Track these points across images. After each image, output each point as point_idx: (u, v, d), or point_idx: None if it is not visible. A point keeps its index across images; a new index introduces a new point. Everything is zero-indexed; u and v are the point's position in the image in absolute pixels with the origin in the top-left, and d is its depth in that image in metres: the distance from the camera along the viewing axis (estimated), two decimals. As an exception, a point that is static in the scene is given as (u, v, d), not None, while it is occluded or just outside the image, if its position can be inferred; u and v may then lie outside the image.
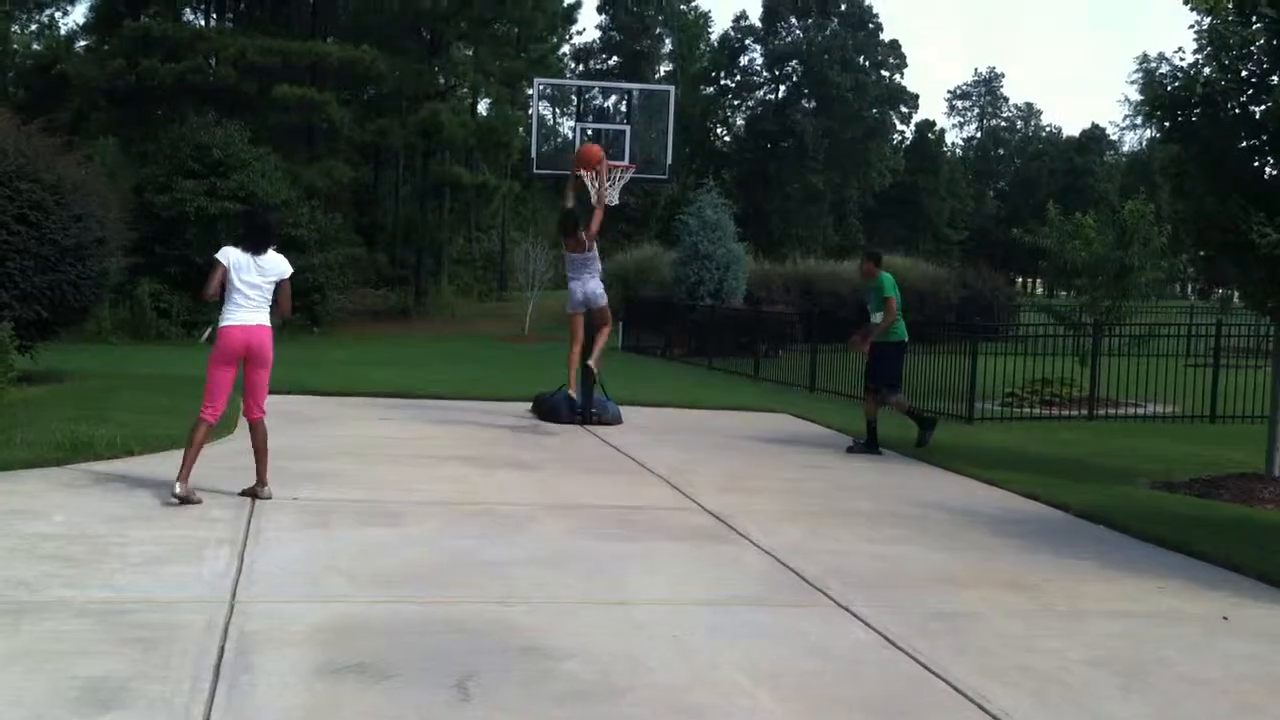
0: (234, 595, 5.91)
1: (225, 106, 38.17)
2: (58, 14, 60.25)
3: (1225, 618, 6.46)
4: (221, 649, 5.07)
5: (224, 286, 8.15)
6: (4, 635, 5.12)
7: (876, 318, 12.76)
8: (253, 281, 8.13)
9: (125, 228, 16.40)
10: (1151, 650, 5.80)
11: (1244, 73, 10.74)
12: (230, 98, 39.96)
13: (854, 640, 5.74)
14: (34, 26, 61.01)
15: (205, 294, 8.27)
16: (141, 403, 12.93)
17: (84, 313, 15.84)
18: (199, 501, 8.01)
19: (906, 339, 12.95)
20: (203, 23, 47.04)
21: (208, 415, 8.26)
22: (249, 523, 7.56)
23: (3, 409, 9.96)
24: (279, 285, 8.29)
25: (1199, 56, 10.95)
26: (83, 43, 49.21)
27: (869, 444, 12.55)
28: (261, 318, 8.14)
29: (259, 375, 8.31)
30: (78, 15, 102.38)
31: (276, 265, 8.25)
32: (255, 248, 8.17)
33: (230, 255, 8.16)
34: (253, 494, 8.28)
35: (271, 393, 14.81)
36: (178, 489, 7.92)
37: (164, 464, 9.57)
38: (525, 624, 5.66)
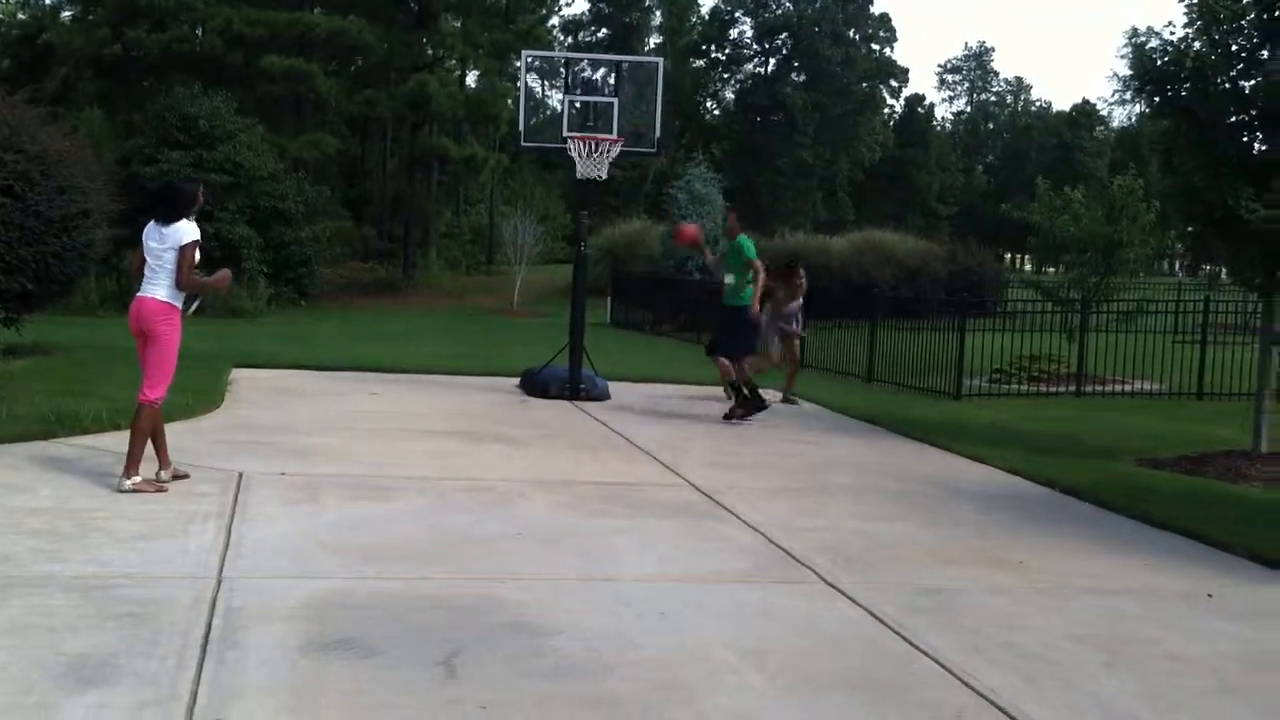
0: (221, 571, 5.90)
1: (212, 77, 37.91)
2: (43, -17, 59.69)
3: (1210, 595, 6.49)
4: (209, 625, 5.06)
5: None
6: (-10, 610, 5.11)
7: (729, 279, 12.59)
8: (151, 252, 7.65)
9: (111, 200, 16.27)
10: (1137, 628, 5.82)
11: (1234, 47, 10.73)
12: (217, 68, 39.72)
13: (841, 617, 5.76)
14: (19, -5, 60.60)
15: (131, 270, 8.06)
16: (128, 376, 12.80)
17: (70, 285, 15.74)
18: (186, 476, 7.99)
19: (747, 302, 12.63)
20: (189, -8, 46.68)
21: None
22: (236, 498, 7.55)
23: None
24: (180, 252, 7.58)
25: (1189, 31, 10.94)
26: (68, 12, 48.82)
27: (754, 401, 12.44)
28: (150, 289, 7.61)
29: (146, 352, 7.71)
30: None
31: (175, 234, 7.60)
32: (160, 218, 7.68)
33: (146, 229, 7.76)
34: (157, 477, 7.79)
35: (259, 366, 14.98)
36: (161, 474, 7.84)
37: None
38: (513, 600, 5.66)
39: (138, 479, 7.59)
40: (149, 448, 7.76)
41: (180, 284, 7.63)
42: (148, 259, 7.66)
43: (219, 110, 33.05)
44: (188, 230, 7.62)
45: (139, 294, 7.69)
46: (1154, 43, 11.14)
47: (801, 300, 14.95)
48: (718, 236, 30.94)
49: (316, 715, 4.20)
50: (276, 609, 5.33)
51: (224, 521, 6.90)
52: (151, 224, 7.73)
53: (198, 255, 7.68)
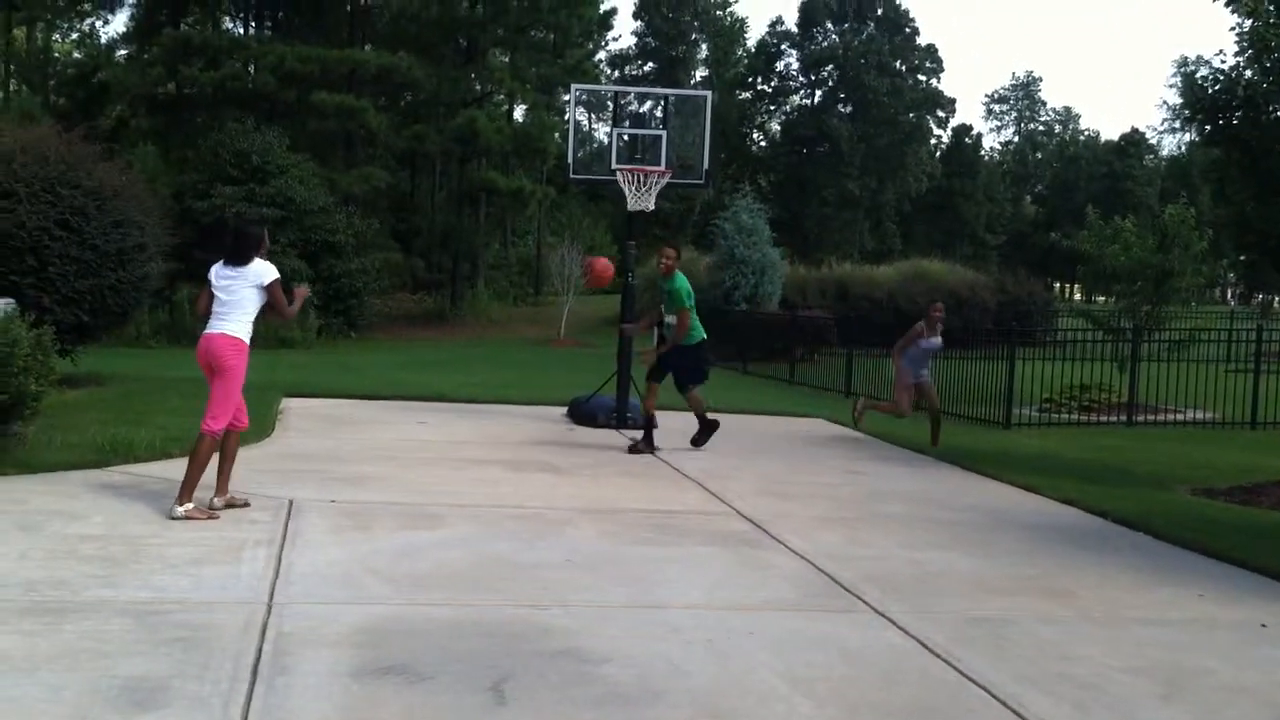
0: (272, 596, 5.95)
1: (264, 113, 38.42)
2: (98, 23, 60.75)
3: (1264, 625, 6.39)
4: (259, 650, 5.10)
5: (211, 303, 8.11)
6: (45, 634, 5.17)
7: (671, 319, 12.35)
8: (224, 289, 8.02)
9: (165, 233, 16.52)
10: (1191, 658, 5.74)
11: (1286, 75, 10.65)
12: (269, 104, 40.23)
13: (890, 646, 5.72)
14: (75, 35, 61.69)
15: (197, 310, 8.37)
16: (180, 406, 13.02)
17: (124, 317, 15.98)
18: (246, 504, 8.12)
19: (705, 336, 12.37)
20: (242, 31, 47.39)
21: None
22: (287, 525, 7.61)
23: (43, 412, 10.05)
24: (267, 290, 8.03)
25: (1240, 59, 10.87)
26: (123, 51, 49.72)
27: (647, 441, 12.08)
28: (222, 326, 7.99)
29: (215, 384, 8.05)
30: (118, 24, 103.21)
31: (254, 275, 8.01)
32: (229, 261, 8.05)
33: (213, 270, 8.13)
34: (210, 505, 7.95)
35: (309, 396, 15.11)
36: (214, 500, 7.98)
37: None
38: (561, 627, 5.67)
39: (190, 506, 7.69)
40: (208, 475, 7.88)
41: (286, 315, 8.29)
42: (218, 296, 7.99)
43: (271, 145, 33.47)
44: (268, 270, 8.03)
45: (208, 331, 8.04)
46: (1204, 71, 11.08)
47: (939, 341, 13.79)
48: (765, 266, 31.01)
49: (366, 740, 4.21)
50: (327, 634, 5.36)
51: (275, 548, 6.96)
52: (220, 265, 8.07)
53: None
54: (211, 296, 8.05)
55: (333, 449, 11.11)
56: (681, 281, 12.13)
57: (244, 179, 32.29)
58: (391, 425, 13.03)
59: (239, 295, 7.99)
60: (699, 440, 12.38)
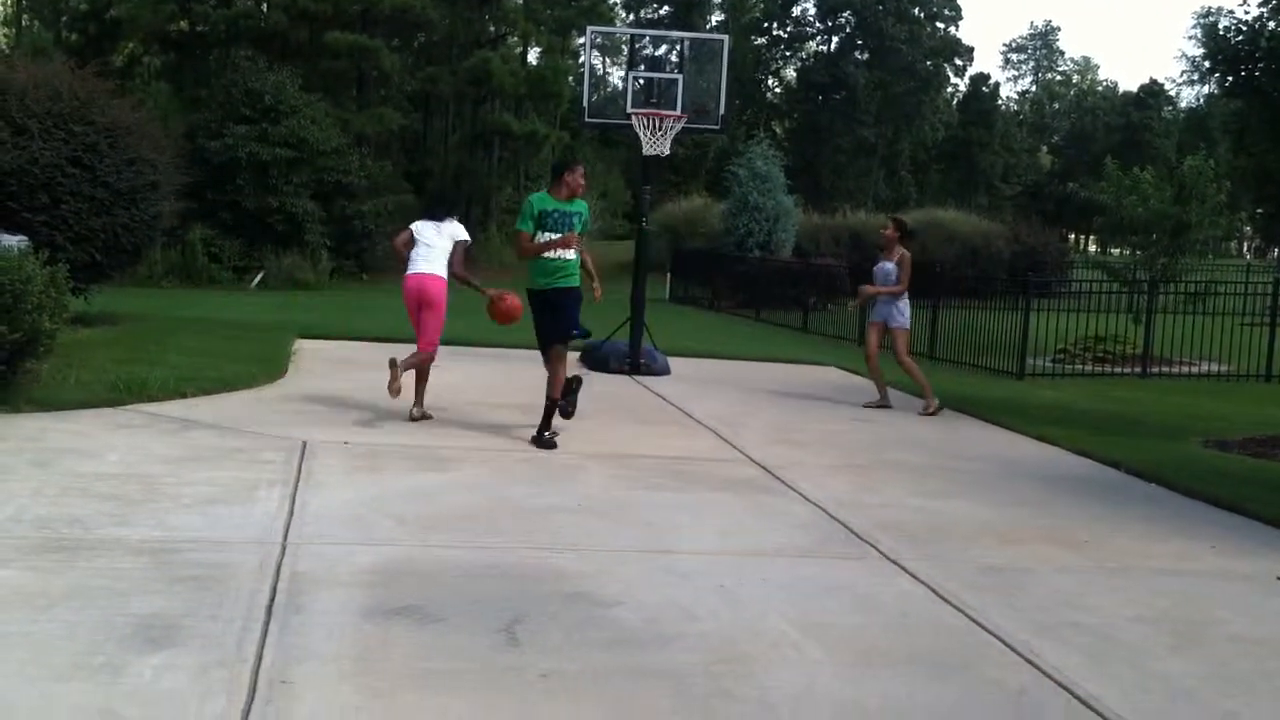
0: (285, 536, 5.96)
1: (276, 52, 38.18)
2: (111, -42, 60.28)
3: (1279, 578, 6.38)
4: (273, 589, 5.12)
5: (409, 247, 9.92)
6: (58, 572, 5.19)
7: (570, 254, 9.66)
8: (429, 240, 9.87)
9: (178, 172, 16.46)
10: (1203, 609, 5.74)
11: (1311, 26, 10.52)
12: (281, 44, 39.97)
13: (902, 593, 5.72)
14: (88, -30, 61.21)
15: (395, 249, 10.21)
16: (194, 346, 13.04)
17: (137, 256, 15.95)
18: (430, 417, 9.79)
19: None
20: (255, -32, 47.00)
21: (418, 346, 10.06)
22: (300, 466, 7.62)
23: (57, 350, 10.05)
24: (459, 245, 10.01)
25: (1263, 10, 10.74)
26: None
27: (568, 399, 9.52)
28: (432, 269, 9.84)
29: (426, 316, 9.90)
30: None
31: (455, 230, 10.03)
32: (435, 216, 10.10)
33: (419, 223, 10.08)
34: (410, 416, 9.74)
35: (322, 338, 15.09)
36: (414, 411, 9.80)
37: (217, 406, 9.67)
38: (573, 570, 5.68)
39: (420, 409, 9.82)
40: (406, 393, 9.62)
41: (459, 271, 10.03)
42: (423, 243, 9.87)
43: (283, 85, 33.28)
44: (462, 230, 10.14)
45: (422, 272, 9.85)
46: (1226, 22, 10.95)
47: (893, 266, 12.07)
48: (778, 214, 30.84)
49: (379, 679, 4.23)
50: (340, 575, 5.38)
51: (289, 489, 6.97)
52: (425, 220, 10.08)
53: None
54: (413, 242, 9.87)
55: (346, 391, 11.11)
56: (582, 204, 9.66)
57: (256, 118, 32.13)
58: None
59: (441, 245, 9.87)
60: (568, 408, 9.48)
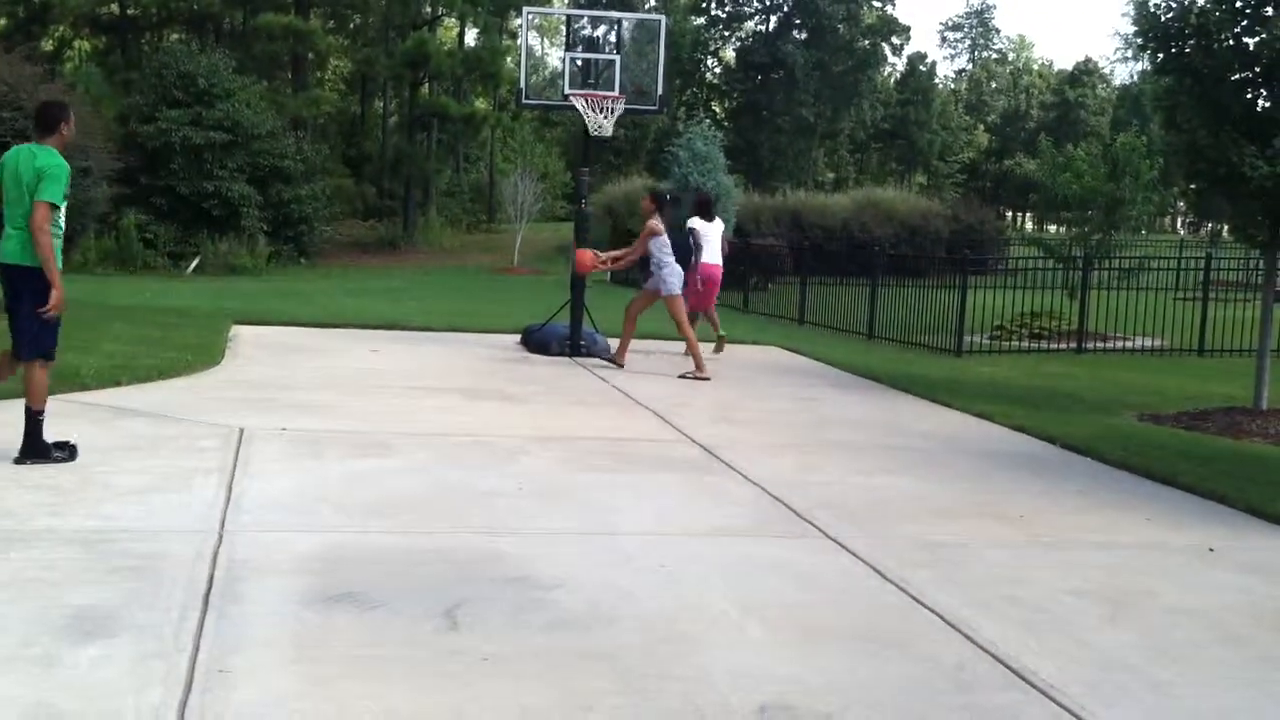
0: (223, 525, 5.90)
1: (210, 35, 37.72)
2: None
3: (1211, 549, 6.49)
4: (210, 578, 5.07)
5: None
6: (-9, 564, 5.11)
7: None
8: (704, 237, 14.29)
9: (110, 158, 16.24)
10: (1138, 581, 5.82)
11: (1238, 3, 10.64)
12: (215, 26, 39.48)
13: (842, 570, 5.76)
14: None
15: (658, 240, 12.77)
16: (128, 334, 12.88)
17: (69, 243, 15.72)
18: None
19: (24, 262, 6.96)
20: (186, -51, 46.35)
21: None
22: (237, 453, 7.54)
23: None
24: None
25: (1193, -14, 10.84)
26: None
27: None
28: (718, 259, 14.67)
29: (712, 289, 14.68)
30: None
31: (720, 225, 14.63)
32: (705, 215, 14.61)
33: (695, 220, 14.49)
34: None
35: (260, 324, 14.97)
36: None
37: (151, 394, 9.56)
38: (514, 554, 5.67)
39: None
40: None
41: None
42: (709, 239, 14.48)
43: (217, 68, 32.82)
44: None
45: (711, 263, 14.54)
46: (1158, 0, 11.05)
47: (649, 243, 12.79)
48: (719, 194, 30.90)
49: (319, 666, 4.20)
50: (279, 562, 5.33)
51: (225, 476, 6.90)
52: (699, 219, 14.67)
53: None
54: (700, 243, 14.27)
55: (284, 377, 11.02)
56: (49, 151, 7.14)
57: (190, 102, 31.66)
58: (343, 353, 12.93)
59: (716, 238, 14.45)
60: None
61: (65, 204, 7.13)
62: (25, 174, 6.99)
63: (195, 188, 30.85)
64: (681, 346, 13.32)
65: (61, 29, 43.60)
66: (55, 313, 6.95)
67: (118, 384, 9.79)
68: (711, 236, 14.70)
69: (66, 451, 7.05)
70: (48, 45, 41.72)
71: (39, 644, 4.24)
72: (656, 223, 12.78)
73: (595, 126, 13.79)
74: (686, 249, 13.79)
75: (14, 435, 7.03)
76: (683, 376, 12.29)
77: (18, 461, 6.88)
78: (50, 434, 7.10)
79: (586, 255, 13.54)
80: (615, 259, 13.70)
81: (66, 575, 5.01)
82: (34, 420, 6.99)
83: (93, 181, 15.13)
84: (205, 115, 31.39)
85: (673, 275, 12.83)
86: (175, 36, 37.01)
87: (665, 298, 12.80)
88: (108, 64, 41.05)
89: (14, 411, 7.18)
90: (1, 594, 4.74)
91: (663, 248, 12.81)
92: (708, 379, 12.22)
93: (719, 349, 14.48)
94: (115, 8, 40.20)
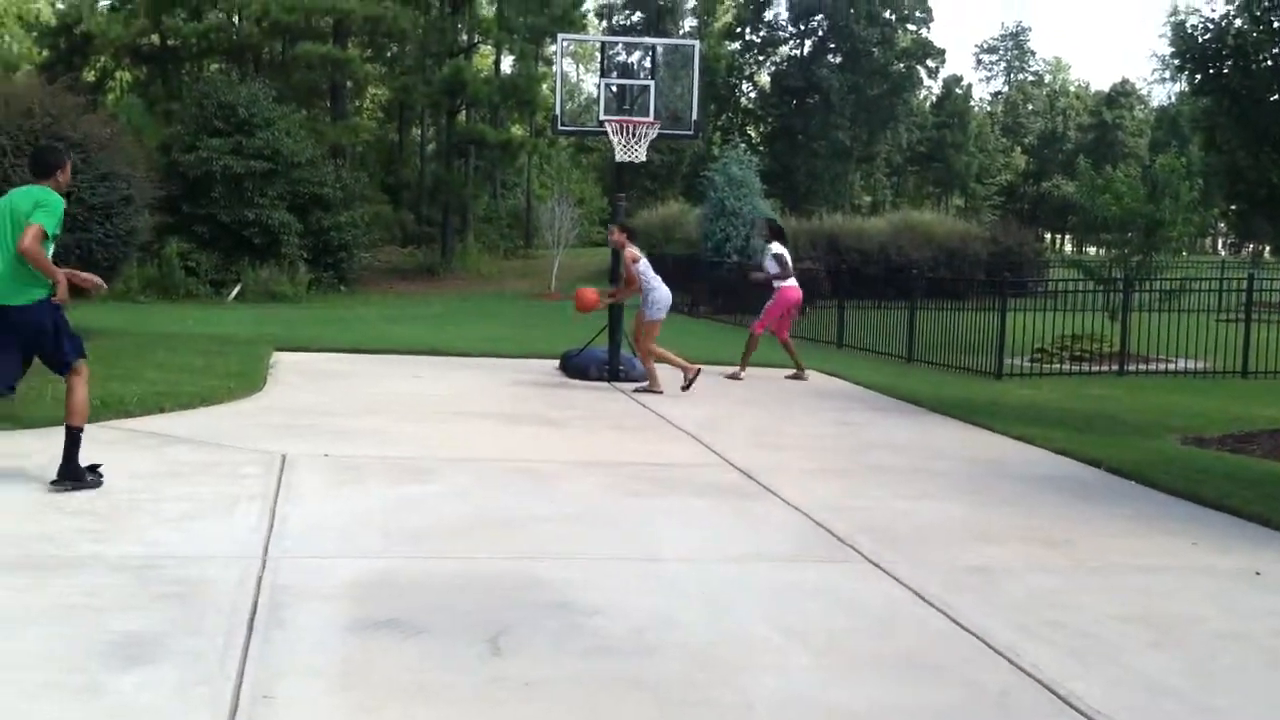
0: (266, 550, 5.93)
1: (249, 65, 38.08)
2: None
3: (1258, 573, 6.41)
4: (254, 604, 5.09)
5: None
6: (36, 590, 5.15)
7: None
8: (784, 262, 14.49)
9: (152, 186, 16.40)
10: (1184, 606, 5.76)
11: (1276, 24, 10.58)
12: (254, 56, 39.87)
13: (885, 596, 5.72)
14: (58, -15, 60.92)
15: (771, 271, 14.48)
16: (172, 361, 12.97)
17: (112, 271, 15.86)
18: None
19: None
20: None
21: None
22: (280, 479, 7.58)
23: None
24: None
25: (1230, 8, 10.81)
26: (105, 1, 49.14)
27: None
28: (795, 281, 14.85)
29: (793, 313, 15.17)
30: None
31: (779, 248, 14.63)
32: (781, 239, 14.95)
33: (778, 246, 14.64)
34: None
35: (300, 350, 15.07)
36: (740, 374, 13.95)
37: (195, 421, 9.63)
38: (556, 580, 5.66)
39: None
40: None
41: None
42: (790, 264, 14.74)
43: (257, 97, 33.14)
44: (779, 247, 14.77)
45: (795, 285, 14.71)
46: (1194, 20, 11.01)
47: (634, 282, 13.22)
48: (755, 219, 30.89)
49: (363, 693, 4.21)
50: (322, 588, 5.35)
51: (268, 503, 6.93)
52: (779, 243, 14.74)
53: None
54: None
55: (325, 403, 11.07)
56: (45, 192, 7.32)
57: (230, 131, 31.98)
58: (384, 379, 12.99)
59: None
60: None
61: (56, 236, 7.40)
62: (22, 206, 7.16)
63: (236, 216, 31.11)
64: (720, 368, 13.31)
65: (103, 60, 44.09)
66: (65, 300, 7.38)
67: (161, 410, 9.87)
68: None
69: (96, 475, 7.12)
70: (90, 76, 42.20)
71: (83, 670, 4.27)
72: (633, 250, 13.14)
73: (622, 154, 13.84)
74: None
75: (44, 461, 7.08)
76: (637, 391, 12.70)
77: (55, 484, 6.93)
78: (94, 462, 7.16)
79: (590, 294, 13.70)
80: (611, 295, 13.66)
81: (110, 601, 5.04)
82: (74, 439, 7.07)
83: (135, 210, 15.24)
84: (245, 144, 31.69)
85: (661, 299, 13.10)
86: (215, 67, 37.33)
87: (646, 322, 13.02)
88: (149, 94, 41.47)
89: (45, 439, 7.24)
90: (45, 620, 4.78)
91: (646, 273, 13.10)
92: (660, 392, 12.57)
93: (802, 375, 14.66)
94: (156, 39, 40.61)
